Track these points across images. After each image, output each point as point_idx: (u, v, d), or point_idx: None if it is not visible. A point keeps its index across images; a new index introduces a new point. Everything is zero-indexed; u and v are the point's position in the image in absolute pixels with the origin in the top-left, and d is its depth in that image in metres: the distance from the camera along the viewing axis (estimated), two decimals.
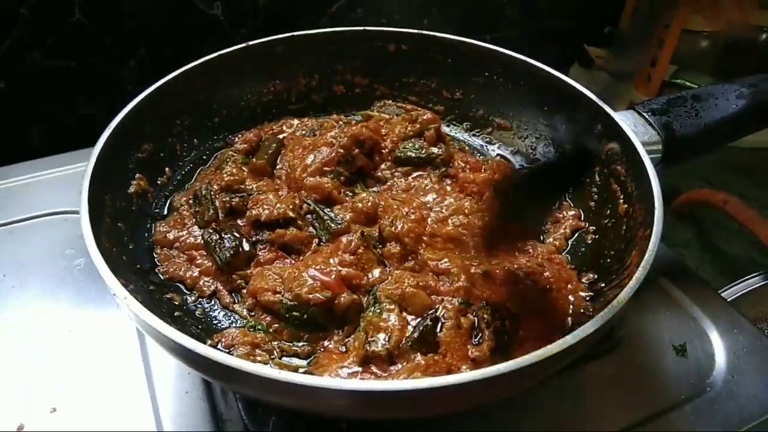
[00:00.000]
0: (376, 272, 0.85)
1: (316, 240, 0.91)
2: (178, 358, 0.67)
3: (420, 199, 0.96)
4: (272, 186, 0.99)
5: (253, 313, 0.83)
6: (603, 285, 0.84)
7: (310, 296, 0.79)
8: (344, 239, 0.88)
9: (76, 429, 0.79)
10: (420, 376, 0.72)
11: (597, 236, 0.94)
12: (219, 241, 0.88)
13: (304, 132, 1.10)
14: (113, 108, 0.92)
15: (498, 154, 1.12)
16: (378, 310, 0.78)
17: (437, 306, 0.80)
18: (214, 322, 0.83)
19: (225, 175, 0.98)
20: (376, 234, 0.89)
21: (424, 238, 0.89)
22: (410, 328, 0.77)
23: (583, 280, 0.88)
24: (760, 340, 0.92)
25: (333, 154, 0.98)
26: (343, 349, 0.78)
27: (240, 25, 1.43)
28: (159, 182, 0.99)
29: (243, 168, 1.01)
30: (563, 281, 0.87)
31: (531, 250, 0.92)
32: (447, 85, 1.17)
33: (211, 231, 0.90)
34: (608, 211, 0.93)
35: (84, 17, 1.27)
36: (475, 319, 0.79)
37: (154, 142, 0.98)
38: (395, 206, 0.93)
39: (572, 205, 1.00)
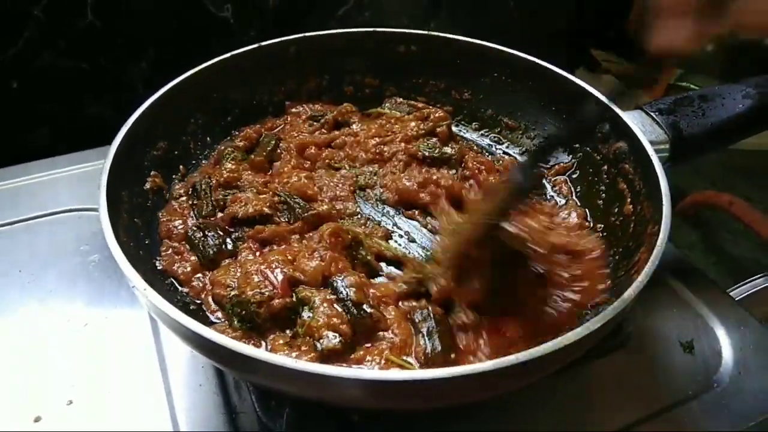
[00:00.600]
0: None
1: (297, 236, 0.91)
2: (197, 349, 0.68)
3: None
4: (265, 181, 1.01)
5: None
6: (611, 282, 0.85)
7: (250, 293, 0.79)
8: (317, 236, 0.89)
9: (93, 421, 0.81)
10: (395, 357, 0.75)
11: (605, 234, 0.95)
12: (203, 238, 0.89)
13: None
14: (123, 108, 0.93)
15: (506, 153, 1.13)
16: (311, 314, 0.78)
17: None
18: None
19: (224, 171, 1.00)
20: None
21: None
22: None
23: None
24: (766, 337, 0.93)
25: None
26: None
27: (249, 27, 1.44)
28: (174, 179, 1.01)
29: (241, 164, 1.02)
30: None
31: None
32: (456, 86, 1.19)
33: (194, 228, 0.91)
34: (616, 210, 0.94)
35: (96, 18, 1.28)
36: None
37: (169, 140, 1.00)
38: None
39: (578, 203, 1.01)
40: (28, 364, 0.87)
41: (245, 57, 1.08)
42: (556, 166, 1.07)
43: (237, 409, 0.82)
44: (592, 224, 0.98)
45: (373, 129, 1.10)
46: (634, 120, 0.94)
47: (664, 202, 0.80)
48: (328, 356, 0.74)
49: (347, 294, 0.80)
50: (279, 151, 1.05)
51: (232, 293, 0.80)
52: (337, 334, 0.75)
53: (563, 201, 1.03)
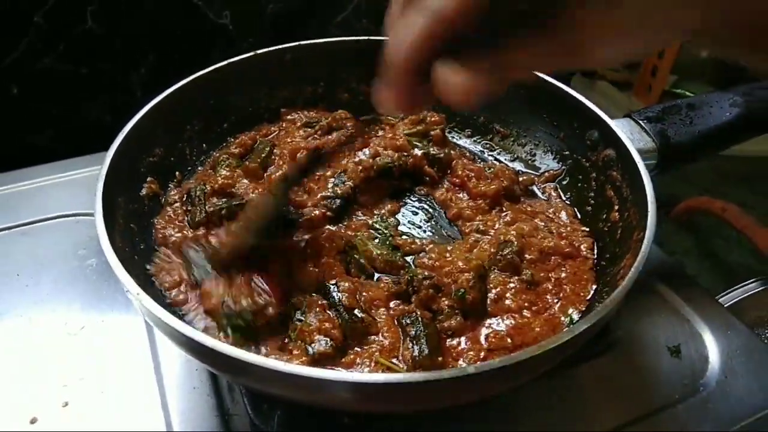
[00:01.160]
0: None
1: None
2: (190, 353, 0.69)
3: None
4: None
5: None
6: (597, 287, 0.87)
7: (244, 303, 0.80)
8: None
9: (88, 423, 0.82)
10: (384, 359, 0.77)
11: (594, 240, 0.96)
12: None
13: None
14: (122, 113, 0.94)
15: (497, 160, 1.15)
16: (303, 318, 0.79)
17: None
18: None
19: (219, 178, 1.01)
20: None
21: None
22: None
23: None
24: (753, 342, 0.95)
25: None
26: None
27: (248, 34, 1.46)
28: (170, 185, 1.02)
29: (236, 171, 1.04)
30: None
31: None
32: None
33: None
34: (604, 216, 0.96)
35: (96, 24, 1.30)
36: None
37: (165, 147, 1.01)
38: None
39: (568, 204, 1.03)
40: (24, 367, 0.88)
41: (241, 64, 1.09)
42: (546, 173, 1.08)
43: (230, 411, 0.83)
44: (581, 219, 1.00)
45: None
46: (622, 128, 0.96)
47: (649, 209, 0.82)
48: (319, 360, 0.76)
49: (339, 299, 0.81)
50: (273, 157, 1.07)
51: (226, 304, 0.80)
52: (328, 339, 0.77)
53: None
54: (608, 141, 0.97)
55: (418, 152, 1.06)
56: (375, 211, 1.00)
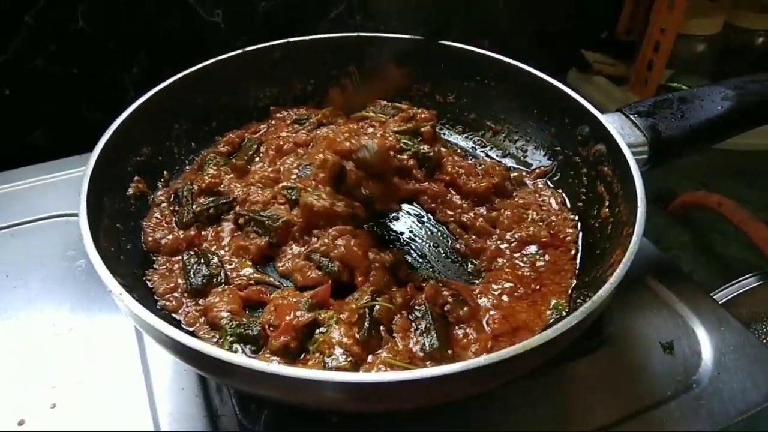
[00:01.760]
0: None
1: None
2: (172, 353, 0.69)
3: None
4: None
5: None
6: (587, 281, 0.86)
7: (256, 329, 0.79)
8: None
9: (76, 424, 0.81)
10: (398, 361, 0.76)
11: (584, 235, 0.96)
12: (196, 266, 0.88)
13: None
14: (115, 113, 0.94)
15: (489, 157, 1.14)
16: (325, 330, 0.78)
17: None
18: None
19: (206, 177, 1.00)
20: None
21: None
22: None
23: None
24: (746, 338, 0.94)
25: None
26: None
27: (240, 32, 1.45)
28: (158, 185, 1.01)
29: (223, 169, 1.03)
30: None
31: None
32: (440, 90, 1.19)
33: (191, 254, 0.90)
34: (595, 212, 0.95)
35: (87, 24, 1.30)
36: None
37: (153, 146, 1.01)
38: None
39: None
40: (12, 368, 0.88)
41: (229, 62, 1.09)
42: (537, 170, 1.08)
43: (218, 411, 0.83)
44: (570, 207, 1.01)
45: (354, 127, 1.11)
46: (613, 122, 0.95)
47: (639, 204, 0.81)
48: None
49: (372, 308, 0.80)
50: (260, 154, 1.06)
51: (234, 323, 0.80)
52: (348, 353, 0.76)
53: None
54: (599, 136, 0.96)
55: (405, 156, 1.05)
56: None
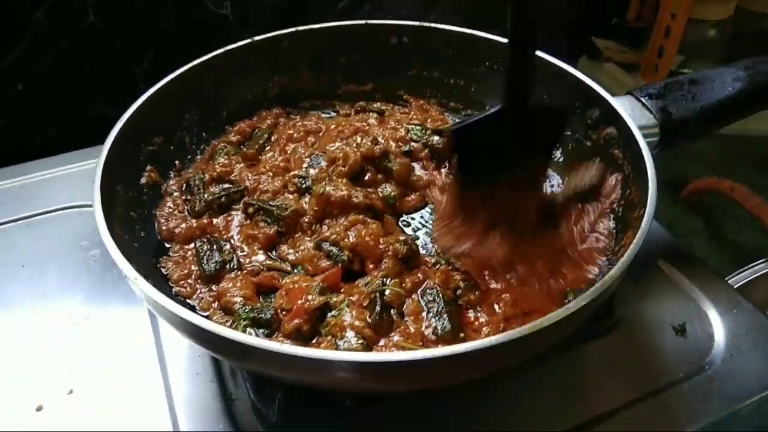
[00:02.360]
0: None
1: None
2: (187, 336, 0.70)
3: None
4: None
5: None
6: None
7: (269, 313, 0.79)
8: None
9: (92, 409, 0.83)
10: (410, 344, 0.76)
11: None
12: (209, 252, 0.89)
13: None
14: (126, 106, 0.95)
15: None
16: (337, 314, 0.78)
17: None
18: None
19: (217, 166, 1.01)
20: None
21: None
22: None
23: None
24: (759, 320, 0.93)
25: None
26: None
27: (248, 24, 1.46)
28: (170, 174, 1.02)
29: (234, 159, 1.04)
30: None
31: None
32: (448, 75, 1.19)
33: (204, 240, 0.91)
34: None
35: (97, 19, 1.31)
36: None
37: (164, 136, 1.02)
38: None
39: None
40: (30, 356, 0.89)
41: (238, 52, 1.09)
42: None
43: (233, 396, 0.84)
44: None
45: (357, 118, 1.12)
46: (623, 105, 0.95)
47: (650, 186, 0.81)
48: None
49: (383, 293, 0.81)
50: (271, 143, 1.06)
51: (247, 307, 0.80)
52: (360, 336, 0.76)
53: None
54: (609, 119, 0.96)
55: (416, 144, 1.05)
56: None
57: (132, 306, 0.94)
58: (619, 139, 0.94)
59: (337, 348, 0.74)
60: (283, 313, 0.78)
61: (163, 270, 0.88)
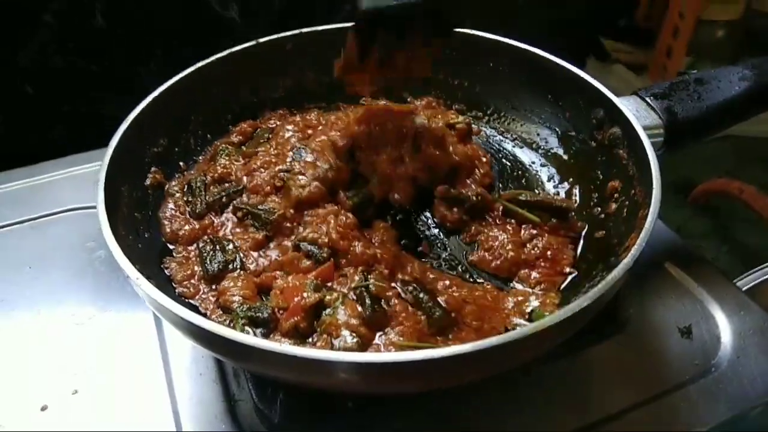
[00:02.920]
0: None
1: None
2: (189, 336, 0.70)
3: None
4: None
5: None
6: (602, 265, 0.85)
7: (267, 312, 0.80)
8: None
9: (97, 409, 0.83)
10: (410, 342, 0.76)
11: (603, 218, 0.95)
12: (212, 252, 0.89)
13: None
14: (133, 107, 0.96)
15: (502, 143, 1.14)
16: (331, 312, 0.79)
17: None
18: None
19: (218, 167, 1.01)
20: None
21: None
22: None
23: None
24: (766, 322, 0.92)
25: None
26: None
27: (255, 26, 1.46)
28: (176, 175, 1.03)
29: (234, 159, 1.03)
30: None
31: None
32: (453, 77, 1.19)
33: (207, 240, 0.91)
34: (611, 197, 0.94)
35: (105, 22, 1.31)
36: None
37: (169, 137, 1.02)
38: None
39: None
40: (35, 356, 0.90)
41: (243, 54, 1.09)
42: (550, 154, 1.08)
43: (235, 397, 0.84)
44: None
45: None
46: (628, 105, 0.94)
47: (654, 185, 0.80)
48: None
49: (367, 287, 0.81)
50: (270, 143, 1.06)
51: (245, 306, 0.81)
52: (355, 334, 0.76)
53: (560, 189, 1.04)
54: (614, 119, 0.95)
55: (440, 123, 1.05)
56: None
57: (136, 307, 0.94)
58: (624, 139, 0.93)
59: (332, 347, 0.74)
60: (280, 311, 0.78)
61: (166, 271, 0.88)
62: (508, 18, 1.76)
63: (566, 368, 0.86)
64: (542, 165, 1.08)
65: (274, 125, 1.11)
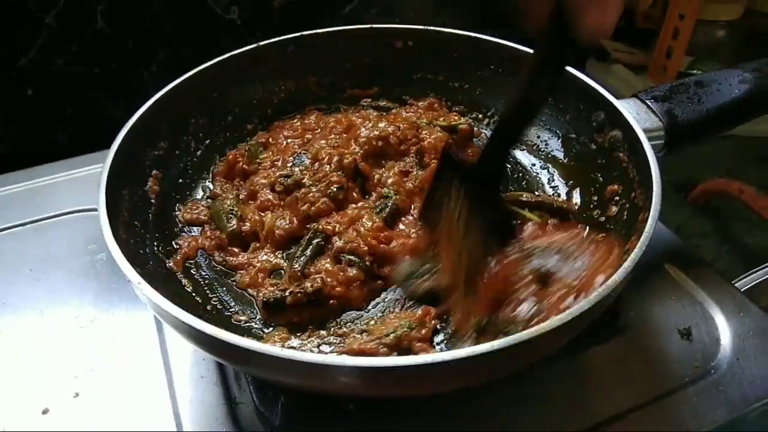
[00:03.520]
0: None
1: None
2: (189, 339, 0.70)
3: None
4: None
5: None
6: None
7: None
8: None
9: (98, 412, 0.83)
10: None
11: (602, 221, 0.95)
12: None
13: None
14: (135, 110, 0.96)
15: None
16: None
17: None
18: (229, 309, 0.88)
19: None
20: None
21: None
22: None
23: None
24: (765, 323, 0.92)
25: None
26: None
27: (255, 29, 1.46)
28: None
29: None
30: None
31: None
32: (454, 79, 1.19)
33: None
34: (611, 200, 0.95)
35: (106, 24, 1.32)
36: None
37: (170, 140, 1.02)
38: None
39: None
40: (36, 359, 0.90)
41: (243, 57, 1.10)
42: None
43: (236, 399, 0.84)
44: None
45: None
46: (628, 108, 0.94)
47: (654, 189, 0.80)
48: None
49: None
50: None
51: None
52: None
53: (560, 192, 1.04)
54: (614, 122, 0.95)
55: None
56: None
57: (138, 309, 0.95)
58: (624, 142, 0.93)
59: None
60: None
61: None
62: (507, 20, 1.76)
63: (566, 370, 0.87)
64: (542, 167, 1.09)
65: (263, 140, 1.11)
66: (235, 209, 0.96)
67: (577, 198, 1.02)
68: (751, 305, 0.95)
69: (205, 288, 0.90)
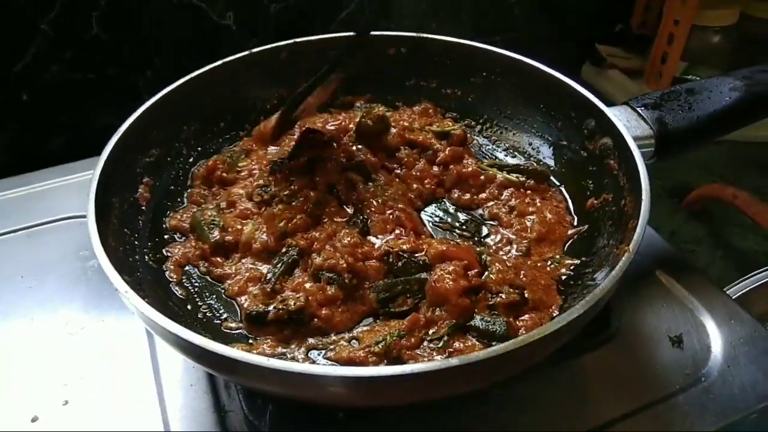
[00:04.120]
0: None
1: None
2: (178, 350, 0.70)
3: None
4: None
5: None
6: (591, 271, 0.86)
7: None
8: None
9: (87, 420, 0.83)
10: None
11: (591, 227, 0.95)
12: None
13: None
14: (130, 116, 0.96)
15: (494, 152, 1.14)
16: None
17: None
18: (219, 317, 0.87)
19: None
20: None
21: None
22: None
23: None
24: (757, 331, 0.93)
25: None
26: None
27: (251, 34, 1.46)
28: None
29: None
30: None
31: None
32: (446, 86, 1.19)
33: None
34: (601, 206, 0.95)
35: (101, 30, 1.32)
36: None
37: (162, 147, 1.02)
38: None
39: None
40: (26, 366, 0.90)
41: (237, 63, 1.10)
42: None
43: (226, 407, 0.84)
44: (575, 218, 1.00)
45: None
46: (619, 115, 0.95)
47: (643, 197, 0.81)
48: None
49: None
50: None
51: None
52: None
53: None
54: (604, 129, 0.96)
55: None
56: None
57: (129, 316, 0.93)
58: (615, 149, 0.93)
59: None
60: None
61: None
62: (503, 26, 1.77)
63: (556, 377, 0.87)
64: None
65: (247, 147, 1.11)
66: (217, 219, 0.95)
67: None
68: (742, 312, 0.95)
69: (195, 296, 0.89)
